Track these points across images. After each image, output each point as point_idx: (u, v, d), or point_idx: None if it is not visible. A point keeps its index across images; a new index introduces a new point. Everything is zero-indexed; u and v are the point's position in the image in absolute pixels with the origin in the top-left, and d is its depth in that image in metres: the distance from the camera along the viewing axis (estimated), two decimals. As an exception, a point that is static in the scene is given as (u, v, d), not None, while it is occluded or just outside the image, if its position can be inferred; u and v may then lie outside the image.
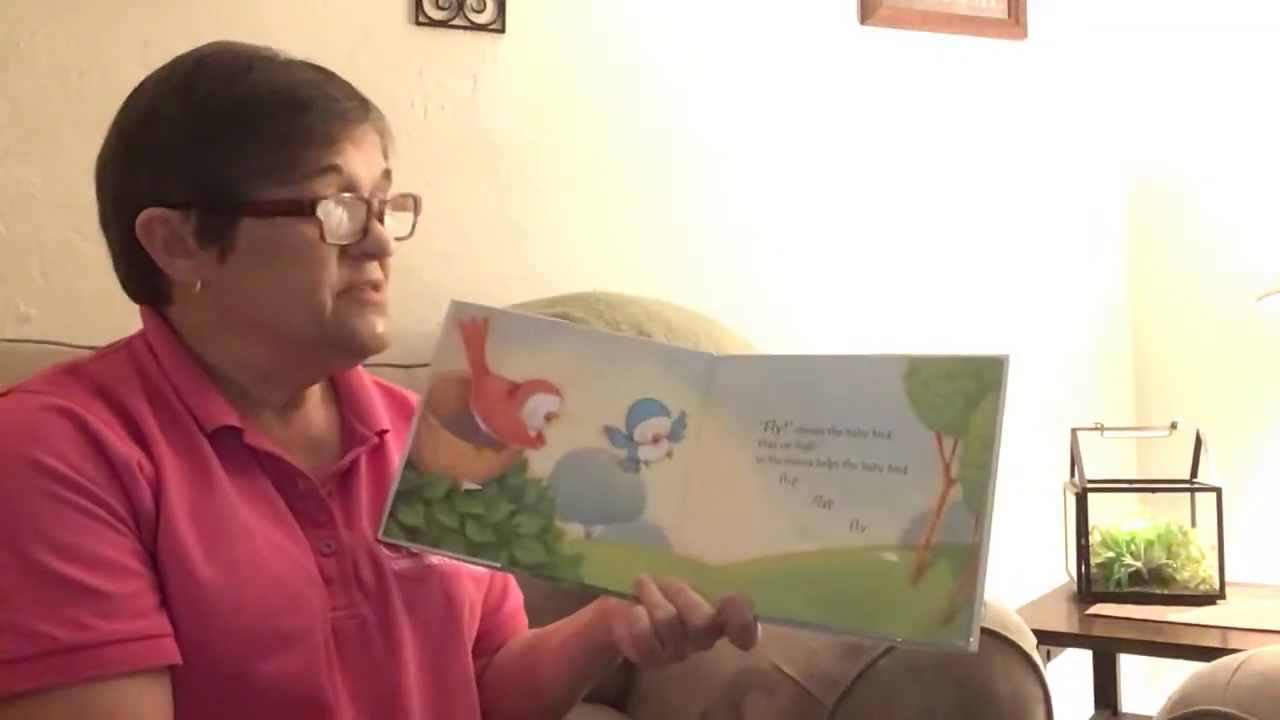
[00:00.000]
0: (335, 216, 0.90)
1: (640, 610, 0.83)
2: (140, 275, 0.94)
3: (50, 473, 0.81)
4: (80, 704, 0.78)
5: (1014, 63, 2.37)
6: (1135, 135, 2.52)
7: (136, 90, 0.94)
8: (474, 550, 0.88)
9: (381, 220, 0.93)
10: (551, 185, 1.96)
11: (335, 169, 0.90)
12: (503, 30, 1.91)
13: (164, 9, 1.66)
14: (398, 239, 0.95)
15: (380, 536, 0.89)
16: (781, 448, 0.86)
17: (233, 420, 0.90)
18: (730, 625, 0.82)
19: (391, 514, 0.89)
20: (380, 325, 0.93)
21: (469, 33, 1.89)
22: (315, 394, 1.00)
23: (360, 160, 0.92)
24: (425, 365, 0.98)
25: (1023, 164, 2.39)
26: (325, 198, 0.89)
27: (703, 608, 0.82)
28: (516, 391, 0.91)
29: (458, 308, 0.94)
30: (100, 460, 0.83)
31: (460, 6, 1.88)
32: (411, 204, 0.98)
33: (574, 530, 0.87)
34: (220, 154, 0.88)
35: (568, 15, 1.98)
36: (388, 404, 1.05)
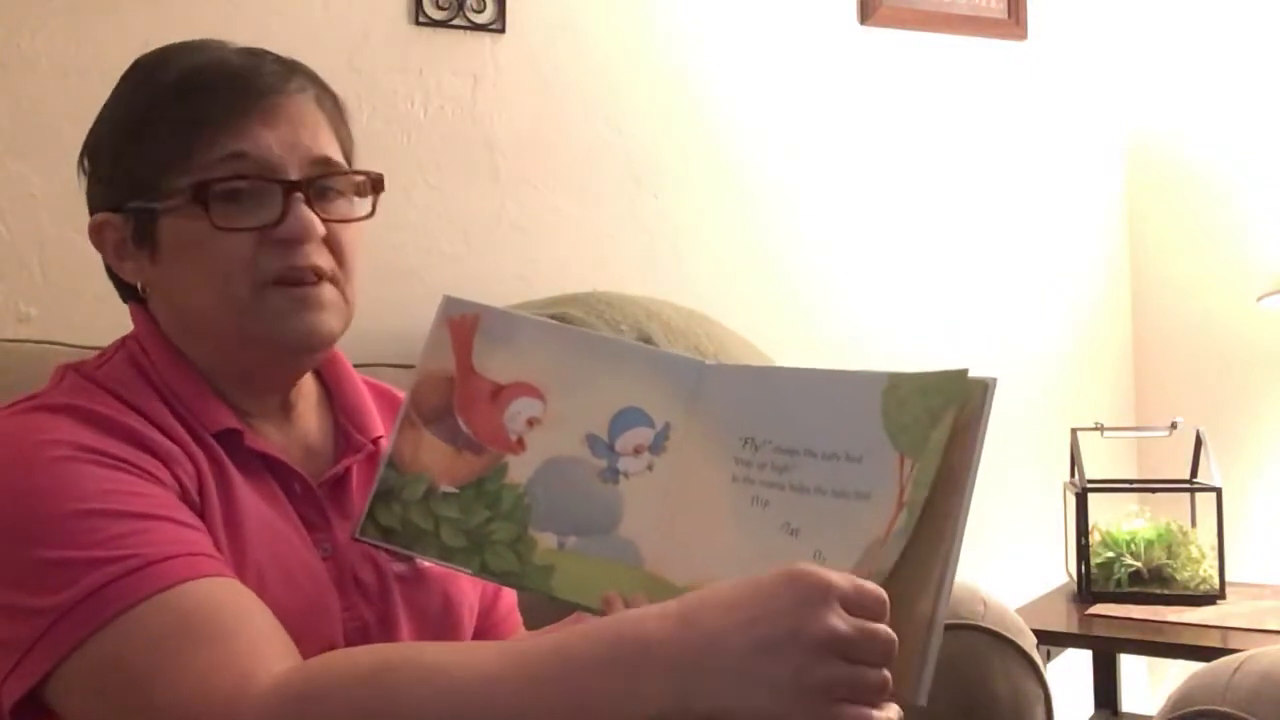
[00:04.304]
0: (233, 199, 0.85)
1: None
2: (114, 277, 0.94)
3: (90, 449, 0.78)
4: (178, 606, 0.72)
5: (1014, 63, 2.37)
6: (1135, 136, 2.52)
7: None
8: (447, 554, 0.86)
9: (311, 203, 0.88)
10: (551, 185, 1.96)
11: (239, 155, 0.86)
12: (503, 30, 1.91)
13: (164, 9, 1.66)
14: (357, 219, 0.92)
15: (356, 536, 0.88)
16: (757, 468, 0.83)
17: (233, 423, 0.89)
18: None
19: (369, 514, 0.88)
20: (318, 322, 0.88)
21: (469, 33, 1.89)
22: (309, 400, 0.98)
23: (274, 140, 0.87)
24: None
25: (1023, 165, 2.39)
26: (217, 182, 0.85)
27: None
28: (500, 394, 0.89)
29: (449, 304, 0.91)
30: (141, 450, 0.81)
31: (460, 6, 1.88)
32: (369, 185, 0.93)
33: (547, 540, 0.86)
34: (139, 151, 0.87)
35: (568, 15, 1.98)
36: (382, 406, 1.03)
